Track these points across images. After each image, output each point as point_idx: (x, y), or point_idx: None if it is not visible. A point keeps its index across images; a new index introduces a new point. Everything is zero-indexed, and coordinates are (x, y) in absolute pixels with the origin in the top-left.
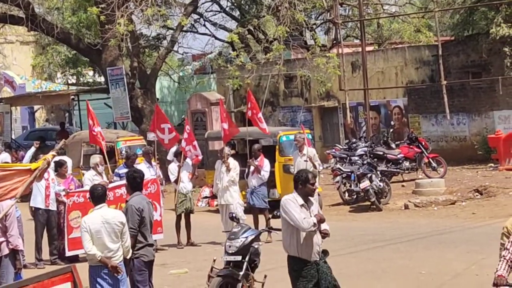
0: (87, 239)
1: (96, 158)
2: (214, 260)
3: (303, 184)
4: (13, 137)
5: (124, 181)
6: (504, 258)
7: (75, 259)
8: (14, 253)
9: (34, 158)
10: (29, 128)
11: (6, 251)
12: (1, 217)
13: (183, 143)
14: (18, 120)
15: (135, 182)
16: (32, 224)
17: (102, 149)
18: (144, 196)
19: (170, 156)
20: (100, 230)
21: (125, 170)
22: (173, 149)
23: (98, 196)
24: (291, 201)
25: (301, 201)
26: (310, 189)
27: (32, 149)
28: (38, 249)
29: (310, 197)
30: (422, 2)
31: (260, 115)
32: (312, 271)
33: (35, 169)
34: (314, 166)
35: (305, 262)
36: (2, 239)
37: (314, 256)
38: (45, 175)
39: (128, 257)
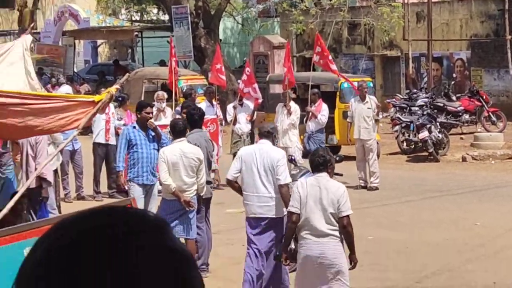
0: (164, 169)
1: (155, 94)
2: None
3: None
4: (75, 70)
5: None
6: None
7: None
8: (41, 181)
9: (96, 91)
10: (91, 62)
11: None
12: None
13: (241, 85)
14: (81, 53)
15: (192, 119)
16: (91, 156)
17: (170, 86)
18: (203, 133)
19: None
20: (177, 162)
21: None
22: None
23: (179, 130)
24: None
25: None
26: None
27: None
28: (97, 182)
29: None
30: None
31: (330, 57)
32: None
33: (98, 102)
34: (377, 114)
35: None
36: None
37: None
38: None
39: (202, 194)
